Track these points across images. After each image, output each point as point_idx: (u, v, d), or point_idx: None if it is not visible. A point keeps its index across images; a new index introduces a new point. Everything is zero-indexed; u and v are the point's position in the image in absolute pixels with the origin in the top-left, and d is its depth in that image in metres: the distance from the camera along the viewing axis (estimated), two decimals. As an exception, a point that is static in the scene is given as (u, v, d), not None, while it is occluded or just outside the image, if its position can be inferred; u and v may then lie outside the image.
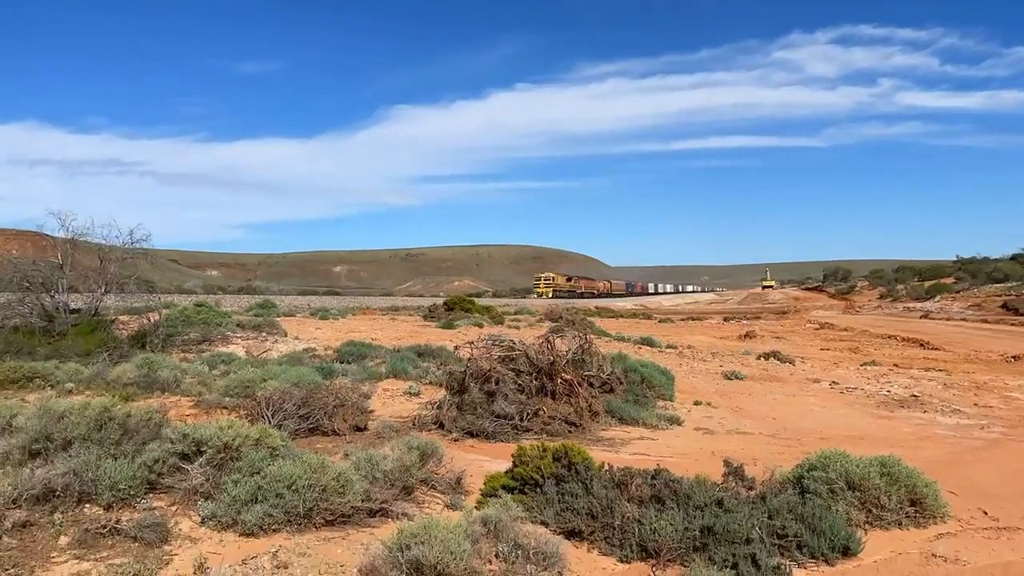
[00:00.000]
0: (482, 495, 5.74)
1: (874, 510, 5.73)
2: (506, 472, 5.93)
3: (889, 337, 30.72)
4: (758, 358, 19.62)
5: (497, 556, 4.56)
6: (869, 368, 18.68)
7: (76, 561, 4.49)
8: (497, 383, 9.21)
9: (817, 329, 37.51)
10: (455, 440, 8.36)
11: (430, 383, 11.99)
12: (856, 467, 5.86)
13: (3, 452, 5.89)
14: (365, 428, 8.47)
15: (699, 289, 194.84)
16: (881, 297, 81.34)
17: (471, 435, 8.61)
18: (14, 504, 4.94)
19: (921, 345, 26.91)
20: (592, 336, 12.55)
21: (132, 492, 5.30)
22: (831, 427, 10.62)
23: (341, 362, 13.67)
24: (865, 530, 5.48)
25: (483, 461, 7.33)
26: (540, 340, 10.02)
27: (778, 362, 18.90)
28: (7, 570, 4.30)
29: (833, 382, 15.70)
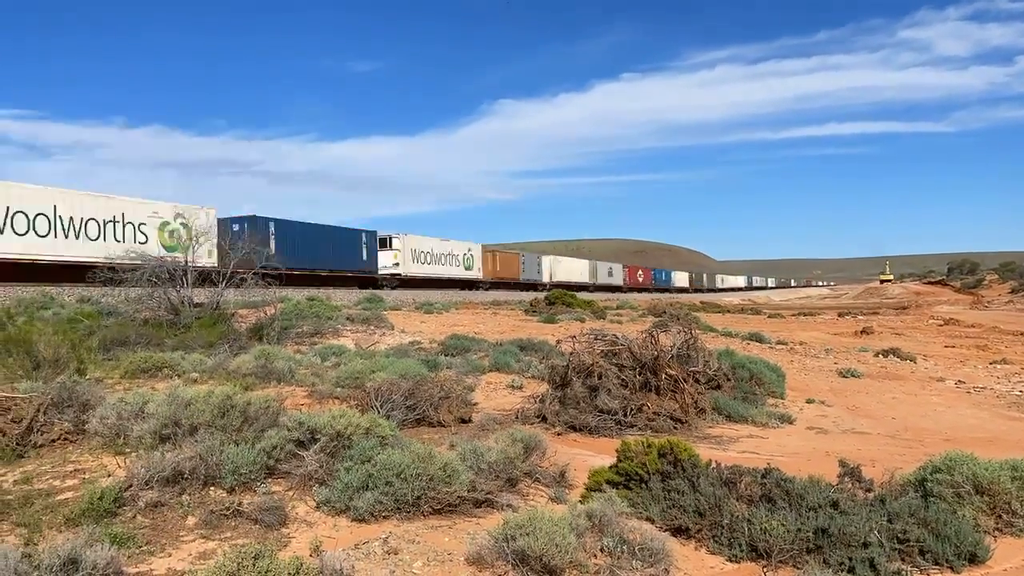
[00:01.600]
0: (586, 489, 5.72)
1: (1004, 516, 5.37)
2: (610, 467, 5.88)
3: (1021, 334, 28.68)
4: (876, 355, 18.73)
5: (602, 550, 4.54)
6: (999, 367, 17.51)
7: (203, 540, 4.76)
8: (600, 378, 9.15)
9: (941, 325, 35.43)
10: (558, 434, 8.37)
11: (532, 377, 12.03)
12: (985, 470, 5.50)
13: (137, 436, 6.31)
14: (469, 420, 8.59)
15: (775, 284, 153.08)
16: (1013, 291, 76.15)
17: (574, 429, 8.60)
18: (147, 485, 5.27)
19: (1058, 343, 24.97)
20: (697, 331, 12.29)
21: (252, 476, 5.56)
22: (956, 428, 10.02)
23: (445, 355, 13.91)
24: (994, 537, 5.15)
25: (586, 455, 7.31)
26: (643, 335, 9.89)
27: (898, 359, 17.98)
28: (141, 546, 4.60)
29: (959, 381, 14.81)
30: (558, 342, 12.40)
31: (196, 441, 5.87)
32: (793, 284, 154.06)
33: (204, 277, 16.28)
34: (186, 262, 15.94)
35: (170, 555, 4.53)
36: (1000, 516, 5.40)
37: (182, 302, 15.33)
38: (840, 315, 45.69)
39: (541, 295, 36.46)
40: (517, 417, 9.04)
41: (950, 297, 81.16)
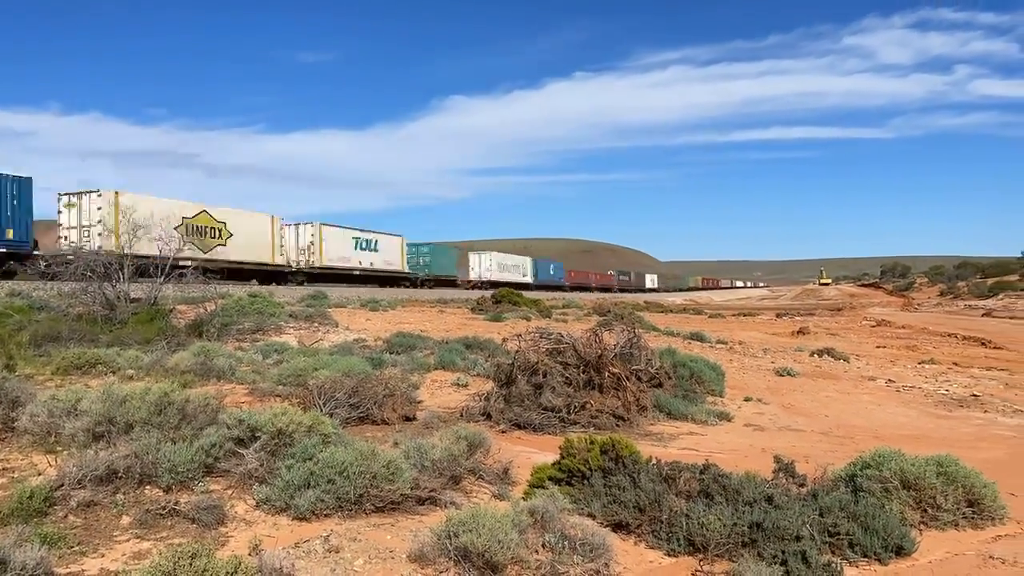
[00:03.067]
0: (529, 486, 5.77)
1: (929, 510, 5.60)
2: (553, 464, 5.94)
3: (949, 335, 29.84)
4: (811, 355, 19.26)
5: (544, 546, 4.59)
6: (927, 366, 18.19)
7: (137, 540, 4.66)
8: (544, 376, 9.22)
9: (873, 326, 36.63)
10: (502, 431, 8.41)
11: (478, 375, 12.06)
12: (911, 466, 5.72)
13: (69, 434, 6.13)
14: (414, 418, 8.58)
15: (660, 286, 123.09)
16: (941, 294, 79.24)
17: (518, 427, 8.65)
18: (79, 484, 5.13)
19: (982, 344, 26.08)
20: (640, 330, 12.47)
21: (190, 475, 5.46)
22: (886, 426, 10.38)
23: (390, 353, 13.84)
24: (920, 530, 5.36)
25: (530, 453, 7.36)
26: (588, 333, 10.00)
27: (832, 359, 18.52)
28: (72, 547, 4.48)
29: (889, 380, 15.33)
30: (504, 340, 12.45)
31: (131, 439, 5.74)
32: (689, 286, 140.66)
33: (141, 271, 15.85)
34: (122, 255, 15.48)
35: (103, 555, 4.43)
36: (925, 510, 5.62)
37: (118, 297, 14.90)
38: (778, 316, 46.87)
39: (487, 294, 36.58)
40: (462, 415, 9.05)
41: (883, 299, 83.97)
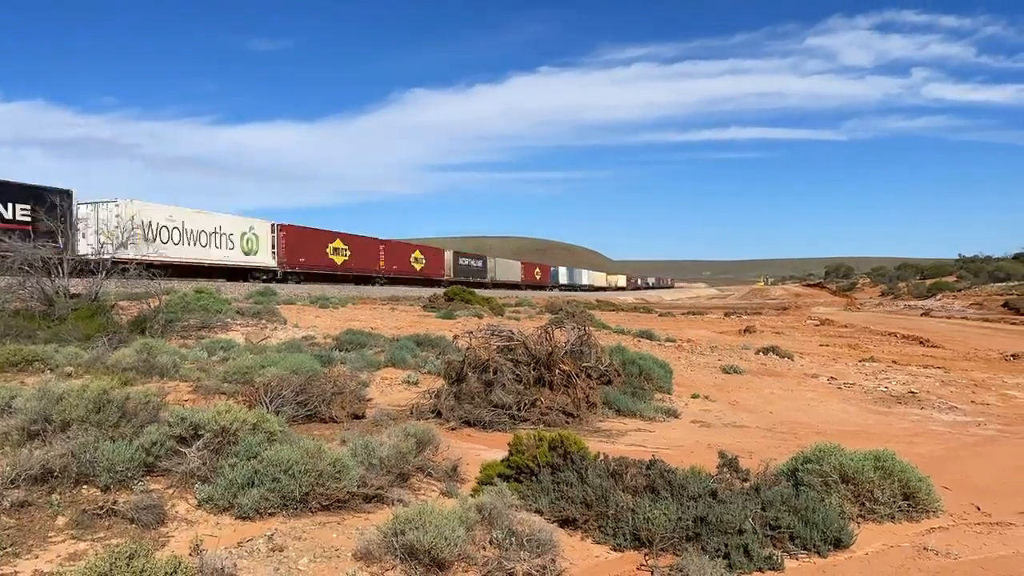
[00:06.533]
0: (478, 483, 5.77)
1: (867, 503, 5.75)
2: (502, 461, 5.95)
3: (889, 334, 30.73)
4: (757, 353, 19.62)
5: (491, 543, 4.59)
6: (868, 364, 18.69)
7: (73, 541, 4.52)
8: (495, 373, 9.23)
9: (817, 325, 37.52)
10: (452, 429, 8.39)
11: (429, 372, 12.01)
12: (850, 461, 5.88)
13: (2, 433, 5.92)
14: (363, 416, 8.50)
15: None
16: (882, 294, 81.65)
17: (468, 424, 8.64)
18: (12, 484, 4.96)
19: (921, 342, 26.92)
20: (591, 328, 12.56)
21: (129, 474, 5.32)
22: (828, 422, 10.64)
23: (340, 350, 13.69)
24: (858, 523, 5.50)
25: (480, 450, 7.36)
26: (539, 331, 10.04)
27: (777, 357, 18.90)
28: (5, 548, 4.33)
29: (831, 377, 15.71)
30: (455, 338, 12.42)
31: (68, 437, 5.56)
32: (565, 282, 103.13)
33: (82, 266, 15.39)
34: (64, 249, 15.02)
35: (37, 556, 4.29)
36: (863, 503, 5.78)
37: (57, 292, 14.44)
38: (726, 315, 47.72)
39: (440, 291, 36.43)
40: (412, 412, 9.00)
41: (827, 299, 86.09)
